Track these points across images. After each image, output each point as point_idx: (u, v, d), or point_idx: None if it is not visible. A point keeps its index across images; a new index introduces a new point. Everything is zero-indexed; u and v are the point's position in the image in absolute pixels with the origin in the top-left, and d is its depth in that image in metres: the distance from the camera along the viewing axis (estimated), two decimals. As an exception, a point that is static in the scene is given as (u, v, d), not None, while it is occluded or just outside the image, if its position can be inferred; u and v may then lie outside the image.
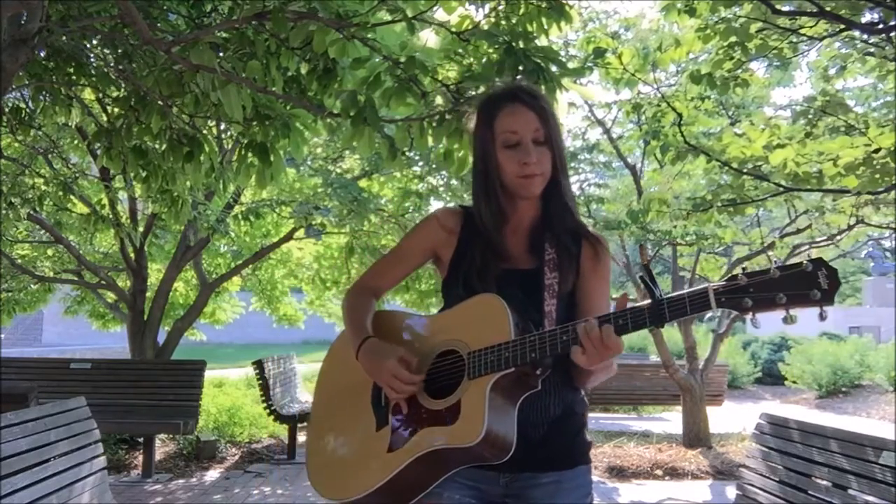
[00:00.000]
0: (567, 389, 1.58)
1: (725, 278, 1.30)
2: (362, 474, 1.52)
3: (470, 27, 2.75)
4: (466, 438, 1.39)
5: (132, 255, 7.12)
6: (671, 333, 11.84)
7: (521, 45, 2.61)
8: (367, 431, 1.56)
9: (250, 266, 8.64)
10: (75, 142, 6.31)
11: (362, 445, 1.56)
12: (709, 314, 1.35)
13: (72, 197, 6.53)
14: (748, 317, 1.27)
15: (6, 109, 4.19)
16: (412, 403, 1.50)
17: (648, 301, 1.33)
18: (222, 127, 4.05)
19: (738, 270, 1.30)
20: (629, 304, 1.37)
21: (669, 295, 1.32)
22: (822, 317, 1.24)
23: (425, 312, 6.76)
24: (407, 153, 3.38)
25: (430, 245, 1.70)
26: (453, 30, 2.73)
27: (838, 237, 7.12)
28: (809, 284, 1.23)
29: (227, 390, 9.43)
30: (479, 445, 1.37)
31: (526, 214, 1.63)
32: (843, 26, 4.17)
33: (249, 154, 3.32)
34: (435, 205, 7.58)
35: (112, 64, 3.47)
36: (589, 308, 1.59)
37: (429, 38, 2.72)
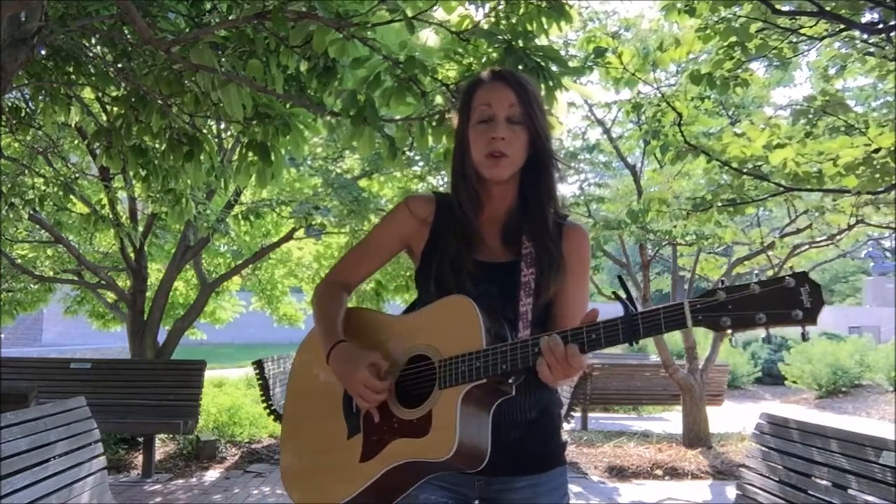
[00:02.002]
0: (542, 390, 1.52)
1: (702, 293, 1.21)
2: (335, 483, 1.48)
3: (470, 27, 2.74)
4: (438, 453, 1.34)
5: (132, 255, 7.12)
6: (671, 333, 11.82)
7: (521, 44, 2.61)
8: (339, 439, 1.50)
9: (250, 266, 8.64)
10: (75, 141, 6.31)
11: (335, 453, 1.51)
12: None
13: (72, 197, 6.53)
14: (727, 334, 1.20)
15: (6, 109, 4.19)
16: (384, 412, 1.44)
17: (621, 315, 1.26)
18: (222, 126, 4.05)
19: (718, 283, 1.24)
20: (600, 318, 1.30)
21: (644, 309, 1.24)
22: (805, 337, 1.15)
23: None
24: (407, 153, 3.37)
25: (401, 235, 1.60)
26: (453, 29, 2.72)
27: (838, 237, 7.12)
28: (791, 303, 1.14)
29: (227, 390, 9.42)
30: (451, 459, 1.33)
31: (501, 202, 1.55)
32: (843, 26, 4.16)
33: (250, 153, 3.32)
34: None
35: (111, 63, 3.47)
36: (567, 305, 1.54)
37: (429, 37, 2.72)
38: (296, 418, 1.64)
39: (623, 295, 1.26)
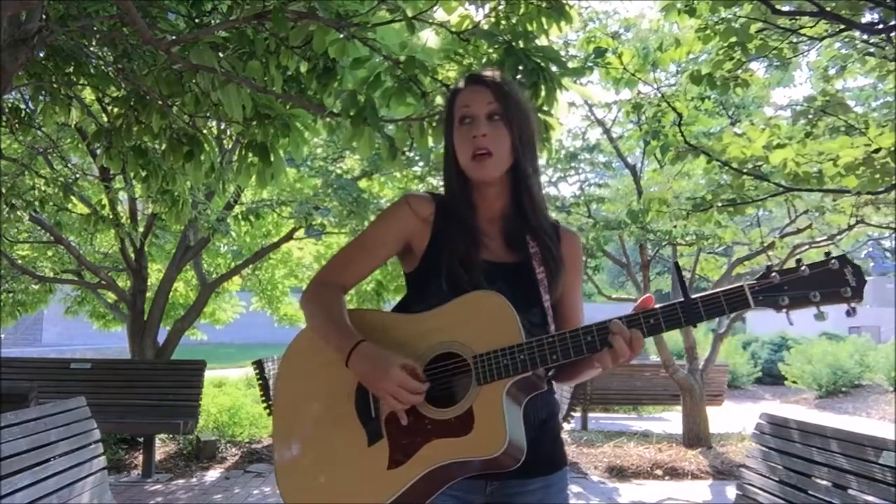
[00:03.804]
0: (549, 391, 1.53)
1: (758, 276, 1.29)
2: (360, 494, 1.40)
3: (470, 27, 2.74)
4: (488, 450, 1.30)
5: (132, 255, 7.12)
6: (671, 333, 11.82)
7: (521, 45, 2.61)
8: (358, 446, 1.41)
9: (250, 266, 8.64)
10: (75, 142, 6.31)
11: (355, 464, 1.41)
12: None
13: (72, 197, 6.53)
14: (782, 314, 1.27)
15: (6, 109, 4.19)
16: (413, 414, 1.38)
17: (679, 300, 1.30)
18: (222, 127, 4.05)
19: (754, 269, 1.29)
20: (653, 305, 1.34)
21: (703, 294, 1.30)
22: (850, 314, 1.25)
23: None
24: (407, 153, 3.38)
25: (403, 233, 1.55)
26: (453, 30, 2.72)
27: (838, 237, 7.11)
28: (839, 282, 1.25)
29: (227, 390, 9.42)
30: (501, 455, 1.30)
31: (494, 203, 1.55)
32: (843, 26, 4.16)
33: (250, 154, 3.31)
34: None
35: (112, 63, 3.47)
36: (567, 307, 1.57)
37: (429, 37, 2.72)
38: (293, 433, 1.50)
39: (682, 281, 1.32)
